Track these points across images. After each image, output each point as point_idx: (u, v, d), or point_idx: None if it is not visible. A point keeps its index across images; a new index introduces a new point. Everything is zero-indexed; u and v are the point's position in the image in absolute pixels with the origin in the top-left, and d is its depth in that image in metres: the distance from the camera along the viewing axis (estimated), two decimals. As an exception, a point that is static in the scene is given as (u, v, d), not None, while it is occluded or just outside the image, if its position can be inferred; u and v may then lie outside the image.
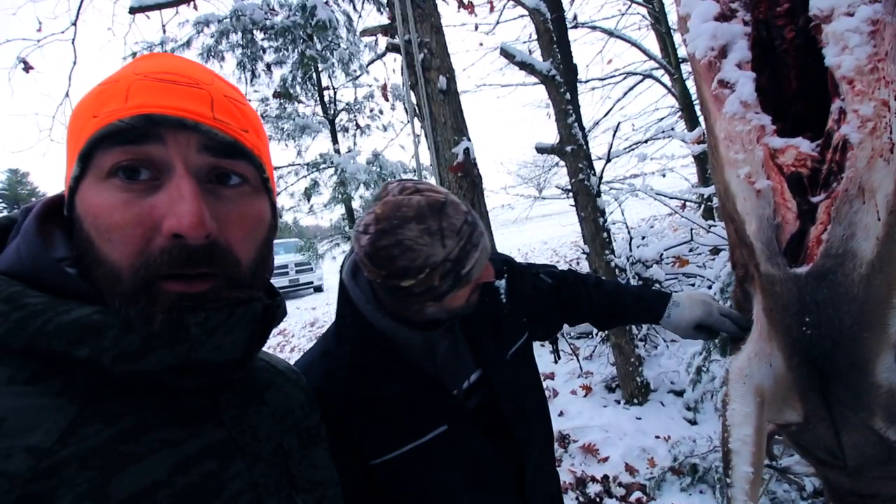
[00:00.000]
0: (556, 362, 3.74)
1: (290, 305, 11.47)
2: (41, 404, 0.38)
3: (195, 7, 4.51)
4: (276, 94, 5.14)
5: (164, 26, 4.69)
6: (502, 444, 0.88)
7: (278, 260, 12.70)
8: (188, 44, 4.80)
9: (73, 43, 4.09)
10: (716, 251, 3.95)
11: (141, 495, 0.39)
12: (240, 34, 4.65)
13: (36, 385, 0.39)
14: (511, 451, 0.89)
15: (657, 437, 2.87)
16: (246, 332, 0.47)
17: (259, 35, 4.81)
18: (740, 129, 0.83)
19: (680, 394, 3.26)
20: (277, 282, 12.44)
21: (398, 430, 0.80)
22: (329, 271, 12.75)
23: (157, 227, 0.41)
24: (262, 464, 0.50)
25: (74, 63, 4.16)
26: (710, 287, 3.75)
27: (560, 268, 1.17)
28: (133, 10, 2.48)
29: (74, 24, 4.01)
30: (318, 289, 13.42)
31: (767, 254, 0.81)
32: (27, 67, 3.96)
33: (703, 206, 4.74)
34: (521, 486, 0.89)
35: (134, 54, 4.79)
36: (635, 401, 3.27)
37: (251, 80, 5.18)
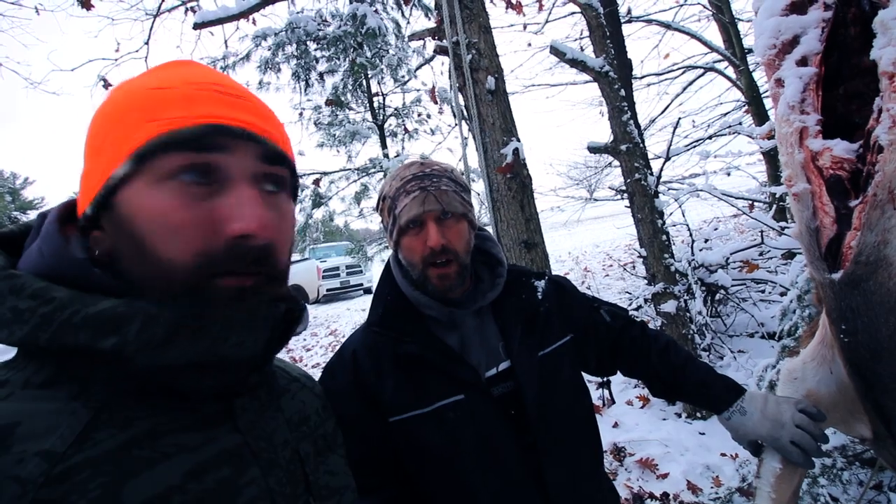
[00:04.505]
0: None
1: (341, 306, 11.83)
2: (56, 408, 0.39)
3: (254, 22, 4.74)
4: (328, 102, 5.30)
5: (226, 41, 4.98)
6: (524, 435, 0.88)
7: (330, 262, 13.15)
8: (248, 57, 5.06)
9: (146, 61, 4.42)
10: (790, 255, 3.64)
11: (155, 501, 0.39)
12: (294, 45, 4.84)
13: (51, 389, 0.40)
14: (532, 444, 0.88)
15: (723, 454, 2.67)
16: (267, 330, 0.47)
17: (312, 45, 4.98)
18: (785, 130, 0.80)
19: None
20: (329, 283, 12.87)
21: (417, 392, 0.86)
22: (378, 273, 12.96)
23: (219, 228, 0.43)
24: (277, 470, 0.50)
25: (147, 80, 4.49)
26: (783, 294, 3.45)
27: (628, 308, 1.13)
28: (197, 26, 2.63)
29: (147, 43, 4.34)
30: (368, 290, 13.72)
31: (809, 257, 0.81)
32: (107, 85, 4.32)
33: (774, 206, 4.37)
34: (543, 484, 0.87)
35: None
36: (698, 415, 3.06)
37: (305, 90, 5.38)
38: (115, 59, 4.37)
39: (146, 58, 4.41)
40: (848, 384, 0.86)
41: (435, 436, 0.85)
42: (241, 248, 0.44)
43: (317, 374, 0.93)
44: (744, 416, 0.91)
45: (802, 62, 0.81)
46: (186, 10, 4.18)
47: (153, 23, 4.31)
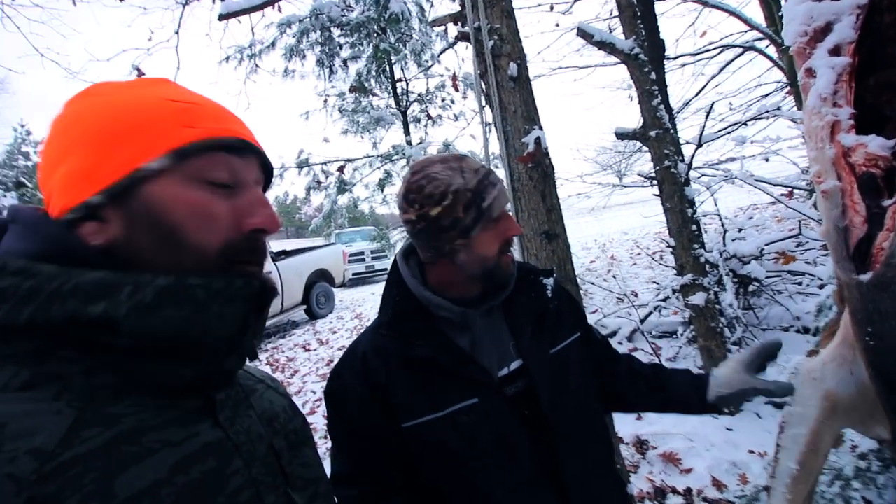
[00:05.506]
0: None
1: (366, 290, 12.01)
2: (39, 409, 0.39)
3: (279, 9, 4.76)
4: (352, 89, 5.31)
5: (252, 29, 5.03)
6: (538, 434, 0.87)
7: (355, 247, 13.35)
8: (273, 45, 5.09)
9: (176, 50, 4.49)
10: (830, 246, 3.45)
11: (144, 493, 0.41)
12: (318, 32, 4.85)
13: (31, 391, 0.40)
14: (548, 443, 0.88)
15: (751, 451, 2.61)
16: (244, 307, 0.51)
17: (336, 32, 4.97)
18: (815, 124, 0.77)
19: (780, 406, 2.92)
20: (354, 268, 13.09)
21: (430, 396, 0.85)
22: (403, 259, 13.10)
23: (240, 222, 0.51)
24: (257, 462, 0.53)
25: (178, 68, 4.58)
26: (821, 287, 3.30)
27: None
28: (222, 17, 2.66)
29: (177, 32, 4.41)
30: (393, 276, 13.88)
31: (836, 257, 0.79)
32: (140, 74, 4.44)
33: (814, 194, 4.15)
34: (559, 481, 0.87)
35: (227, 58, 5.20)
36: (726, 410, 2.98)
37: (329, 77, 5.40)
38: (148, 49, 4.47)
39: (176, 47, 4.48)
40: (869, 386, 0.84)
41: (451, 438, 0.85)
42: (257, 240, 0.53)
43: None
44: (719, 368, 1.00)
45: (835, 51, 0.77)
46: (214, -2, 4.22)
47: (183, 11, 4.38)
